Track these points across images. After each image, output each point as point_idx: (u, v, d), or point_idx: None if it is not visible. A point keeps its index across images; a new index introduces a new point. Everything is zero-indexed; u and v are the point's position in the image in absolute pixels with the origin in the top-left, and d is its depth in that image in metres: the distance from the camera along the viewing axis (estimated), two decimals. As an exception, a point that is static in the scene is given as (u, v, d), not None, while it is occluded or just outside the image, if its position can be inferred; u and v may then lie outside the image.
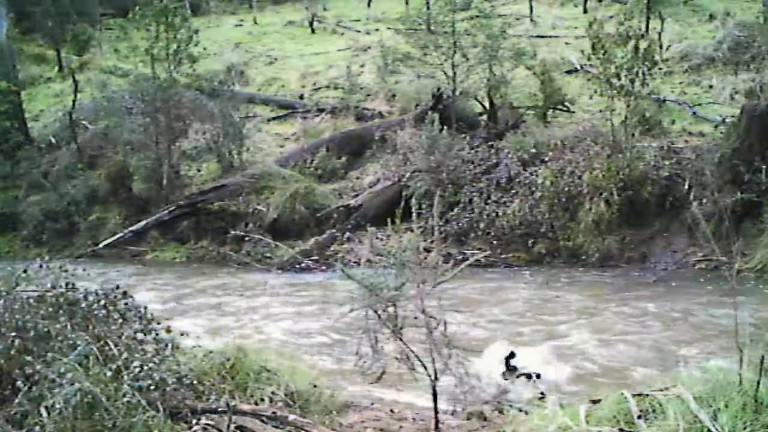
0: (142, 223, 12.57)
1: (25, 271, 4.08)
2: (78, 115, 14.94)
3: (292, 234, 11.70)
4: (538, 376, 5.84)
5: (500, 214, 10.68)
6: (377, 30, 18.95)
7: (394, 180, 11.82)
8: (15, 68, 16.50)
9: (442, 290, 4.06)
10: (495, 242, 10.53)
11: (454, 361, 3.94)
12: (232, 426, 3.68)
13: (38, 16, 19.88)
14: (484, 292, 8.96)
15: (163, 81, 13.03)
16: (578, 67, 14.50)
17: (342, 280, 4.25)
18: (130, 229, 12.55)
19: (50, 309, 3.82)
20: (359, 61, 17.01)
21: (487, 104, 13.10)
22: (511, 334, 7.24)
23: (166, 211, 12.49)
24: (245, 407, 3.83)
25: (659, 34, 13.32)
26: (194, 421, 3.67)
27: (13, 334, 3.62)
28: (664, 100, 12.90)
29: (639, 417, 3.37)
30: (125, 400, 3.42)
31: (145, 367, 3.56)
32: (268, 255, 11.14)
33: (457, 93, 12.83)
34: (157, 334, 3.98)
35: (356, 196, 12.04)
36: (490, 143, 11.92)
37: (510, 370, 5.84)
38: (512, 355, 6.04)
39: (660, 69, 11.58)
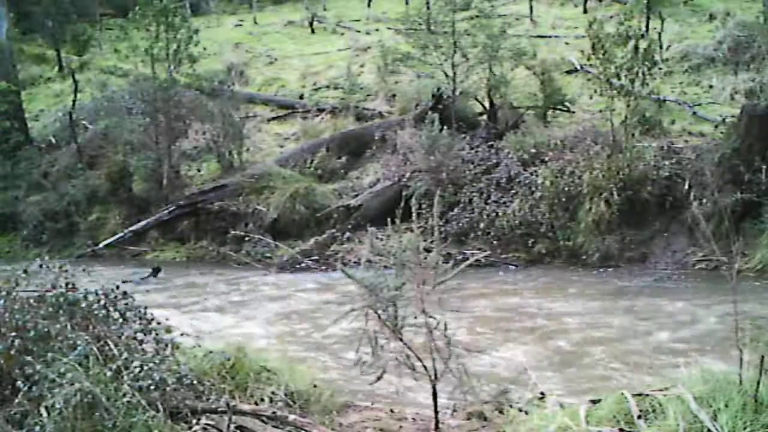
0: (142, 223, 12.58)
1: (25, 271, 4.07)
2: (78, 115, 14.95)
3: (292, 234, 11.70)
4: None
5: (500, 214, 10.68)
6: (377, 30, 18.95)
7: (394, 180, 11.82)
8: (15, 68, 16.51)
9: (442, 290, 4.05)
10: (495, 242, 10.54)
11: (454, 361, 3.94)
12: (232, 426, 3.68)
13: (38, 16, 19.91)
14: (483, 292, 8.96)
15: (163, 81, 13.04)
16: (578, 67, 14.48)
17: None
18: (130, 229, 12.56)
19: (50, 309, 3.80)
20: (359, 61, 17.00)
21: (487, 104, 13.10)
22: (506, 332, 7.24)
23: (166, 211, 12.49)
24: (245, 407, 3.83)
25: (659, 34, 13.33)
26: (194, 421, 3.67)
27: (13, 334, 3.61)
28: (664, 100, 12.89)
29: (639, 417, 3.37)
30: (125, 400, 3.42)
31: (145, 367, 3.56)
32: (268, 255, 11.16)
33: (457, 93, 12.82)
34: (157, 334, 3.98)
35: (356, 196, 12.04)
36: (490, 143, 11.92)
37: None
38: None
39: (660, 69, 11.59)
